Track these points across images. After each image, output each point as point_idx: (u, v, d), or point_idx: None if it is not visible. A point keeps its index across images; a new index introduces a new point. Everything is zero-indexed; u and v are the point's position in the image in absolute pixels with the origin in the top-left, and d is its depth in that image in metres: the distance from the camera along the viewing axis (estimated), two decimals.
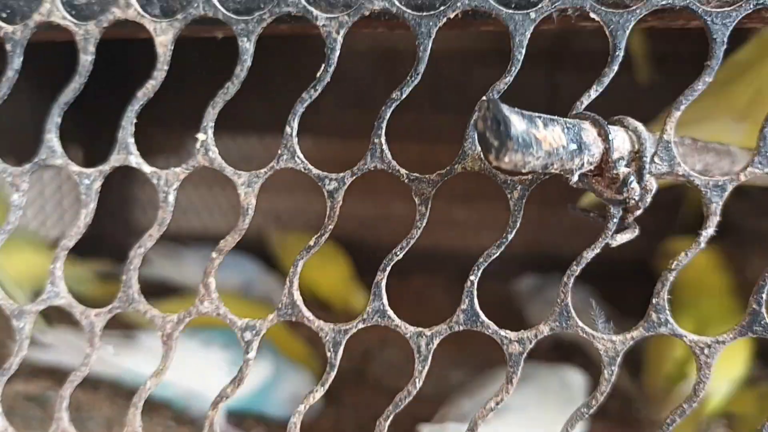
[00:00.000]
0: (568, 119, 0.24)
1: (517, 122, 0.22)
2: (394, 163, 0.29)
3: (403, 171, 0.29)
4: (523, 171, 0.23)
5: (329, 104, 1.00)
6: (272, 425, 0.57)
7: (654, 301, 0.26)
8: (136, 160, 0.31)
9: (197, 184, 1.07)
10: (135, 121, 0.31)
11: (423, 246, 0.93)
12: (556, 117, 0.24)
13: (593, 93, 0.27)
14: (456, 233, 1.00)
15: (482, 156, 0.29)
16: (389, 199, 1.01)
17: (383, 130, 0.29)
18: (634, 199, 0.25)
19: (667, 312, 0.26)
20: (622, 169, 0.25)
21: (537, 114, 0.23)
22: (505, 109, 0.22)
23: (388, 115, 0.29)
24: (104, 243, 0.84)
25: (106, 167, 0.31)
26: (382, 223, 1.01)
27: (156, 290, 0.77)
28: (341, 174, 0.29)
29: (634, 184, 0.25)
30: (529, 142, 0.22)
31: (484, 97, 0.28)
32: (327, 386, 0.29)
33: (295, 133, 0.29)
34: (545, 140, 0.22)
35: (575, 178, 0.25)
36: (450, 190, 0.99)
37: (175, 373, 0.56)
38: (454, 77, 0.96)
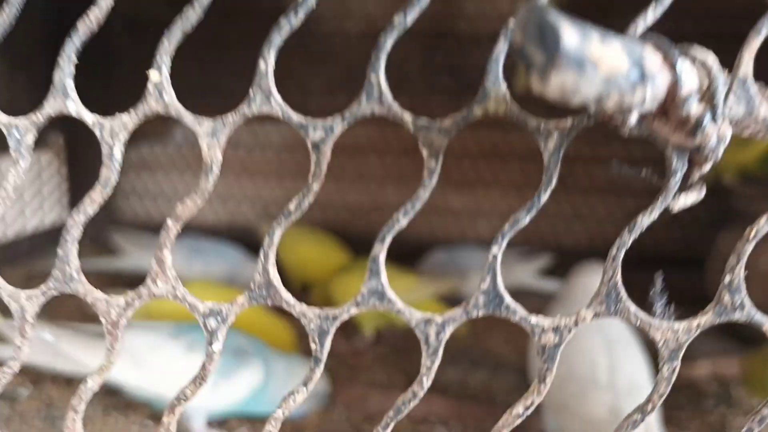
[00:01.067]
0: (628, 37, 0.19)
1: (569, 33, 0.16)
2: (395, 106, 0.23)
3: (407, 116, 0.23)
4: (572, 103, 0.17)
5: (319, 87, 0.95)
6: (257, 423, 0.52)
7: (727, 279, 0.21)
8: (75, 107, 0.25)
9: (183, 170, 1.01)
10: (75, 59, 0.24)
11: (417, 234, 0.88)
12: (613, 33, 0.18)
13: (653, 13, 0.21)
14: (451, 221, 0.94)
15: (507, 96, 0.23)
16: (382, 186, 0.95)
17: (382, 67, 0.23)
18: (709, 148, 0.19)
19: (743, 293, 0.21)
20: (695, 108, 0.19)
21: (590, 26, 0.17)
22: (554, 15, 0.16)
23: (389, 46, 0.23)
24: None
25: (39, 116, 0.25)
26: (375, 212, 0.96)
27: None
28: (328, 120, 0.23)
29: (710, 127, 0.19)
30: (583, 61, 0.16)
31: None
32: (312, 385, 0.23)
33: (271, 69, 0.23)
34: (602, 61, 0.17)
35: (634, 118, 0.19)
36: (444, 175, 0.94)
37: (157, 381, 0.49)
38: (449, 58, 0.91)
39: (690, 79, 0.20)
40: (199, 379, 0.24)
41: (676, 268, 0.86)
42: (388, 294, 0.22)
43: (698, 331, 0.21)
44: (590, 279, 0.55)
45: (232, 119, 0.24)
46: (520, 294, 0.44)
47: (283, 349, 0.58)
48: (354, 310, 0.23)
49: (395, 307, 0.22)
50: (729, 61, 0.21)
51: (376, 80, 0.23)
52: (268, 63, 0.23)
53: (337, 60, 0.94)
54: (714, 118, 0.20)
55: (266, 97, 0.23)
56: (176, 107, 0.24)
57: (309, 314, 0.23)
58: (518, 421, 0.21)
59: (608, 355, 0.47)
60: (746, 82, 0.21)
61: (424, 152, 0.23)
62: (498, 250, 0.22)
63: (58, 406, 0.53)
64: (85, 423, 0.26)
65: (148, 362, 0.50)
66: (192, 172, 1.01)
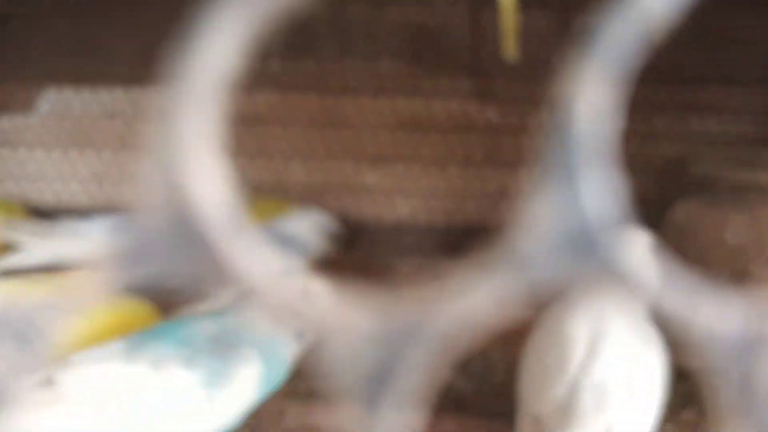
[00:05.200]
0: None
1: None
2: None
3: None
4: None
5: (275, 52, 0.83)
6: None
7: None
8: None
9: (50, 147, 0.87)
10: None
11: (327, 215, 0.78)
12: None
13: None
14: (366, 201, 0.86)
15: None
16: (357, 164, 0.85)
17: None
18: None
19: None
20: None
21: None
22: None
23: None
24: None
25: None
26: (279, 192, 0.86)
27: None
28: None
29: None
30: None
31: None
32: None
33: None
34: None
35: None
36: (358, 149, 0.84)
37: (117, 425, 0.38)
38: (363, 18, 0.81)
39: None
40: None
41: None
42: None
43: None
44: None
45: None
46: None
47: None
48: None
49: None
50: None
51: None
52: None
53: (291, 23, 0.82)
54: None
55: None
56: None
57: None
58: None
59: (587, 350, 0.42)
60: None
61: None
62: None
63: None
64: None
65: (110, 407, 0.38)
66: (61, 147, 0.87)
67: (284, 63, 0.83)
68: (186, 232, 0.15)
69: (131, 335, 0.40)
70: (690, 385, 0.52)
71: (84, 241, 0.69)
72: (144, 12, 0.81)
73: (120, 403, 0.38)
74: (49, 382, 0.37)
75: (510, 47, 0.62)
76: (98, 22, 0.80)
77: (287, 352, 0.41)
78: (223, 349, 0.39)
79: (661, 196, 0.81)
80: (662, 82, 0.79)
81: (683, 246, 0.58)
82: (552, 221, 0.14)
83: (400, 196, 0.85)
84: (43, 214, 0.82)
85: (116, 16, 0.82)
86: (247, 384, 0.39)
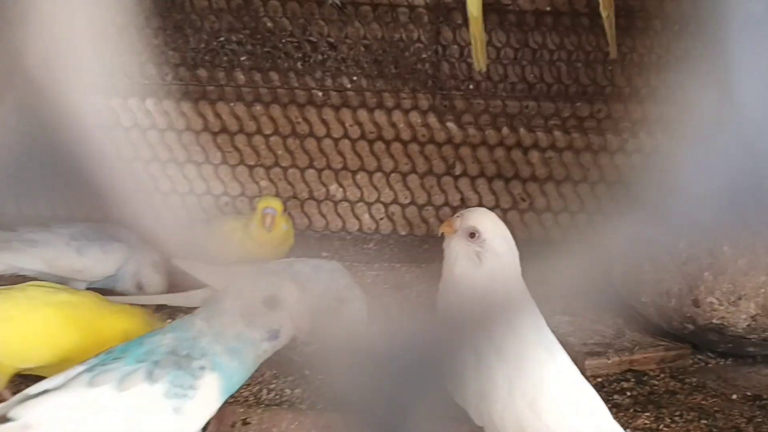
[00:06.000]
0: None
1: None
2: None
3: None
4: None
5: (176, 61, 0.83)
6: None
7: None
8: None
9: None
10: None
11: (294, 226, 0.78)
12: None
13: None
14: (329, 212, 0.86)
15: None
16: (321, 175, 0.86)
17: None
18: None
19: None
20: None
21: None
22: None
23: None
24: None
25: None
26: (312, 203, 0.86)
27: None
28: None
29: None
30: None
31: None
32: None
33: None
34: None
35: None
36: (323, 160, 0.84)
37: None
38: (327, 33, 0.82)
39: None
40: None
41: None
42: None
43: None
44: None
45: None
46: None
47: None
48: None
49: None
50: None
51: None
52: None
53: (198, 30, 0.83)
54: None
55: None
56: None
57: None
58: None
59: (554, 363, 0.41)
60: None
61: None
62: None
63: None
64: None
65: None
66: None
67: (249, 75, 0.83)
68: None
69: (90, 360, 0.40)
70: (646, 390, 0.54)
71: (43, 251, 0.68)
72: None
73: (89, 430, 0.37)
74: (9, 420, 0.37)
75: (479, 57, 0.64)
76: None
77: (254, 354, 0.41)
78: (183, 360, 0.39)
79: (616, 207, 0.84)
80: (617, 100, 0.82)
81: (637, 254, 0.60)
82: None
83: (363, 207, 0.86)
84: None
85: None
86: (211, 392, 0.39)
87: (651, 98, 0.82)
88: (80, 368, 0.39)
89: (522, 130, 0.83)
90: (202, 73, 0.84)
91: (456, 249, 0.43)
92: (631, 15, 0.80)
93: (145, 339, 0.41)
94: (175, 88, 0.84)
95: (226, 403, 0.41)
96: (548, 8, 0.81)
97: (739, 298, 0.54)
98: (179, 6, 0.83)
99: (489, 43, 0.82)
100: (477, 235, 0.42)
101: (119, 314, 0.51)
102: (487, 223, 0.43)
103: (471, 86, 0.83)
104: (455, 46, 0.82)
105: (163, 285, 0.72)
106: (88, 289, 0.68)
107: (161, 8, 0.82)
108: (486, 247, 0.42)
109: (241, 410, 0.50)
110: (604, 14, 0.63)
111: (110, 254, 0.68)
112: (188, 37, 0.83)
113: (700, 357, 0.60)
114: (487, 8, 0.79)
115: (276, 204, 0.71)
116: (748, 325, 0.55)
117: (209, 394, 0.39)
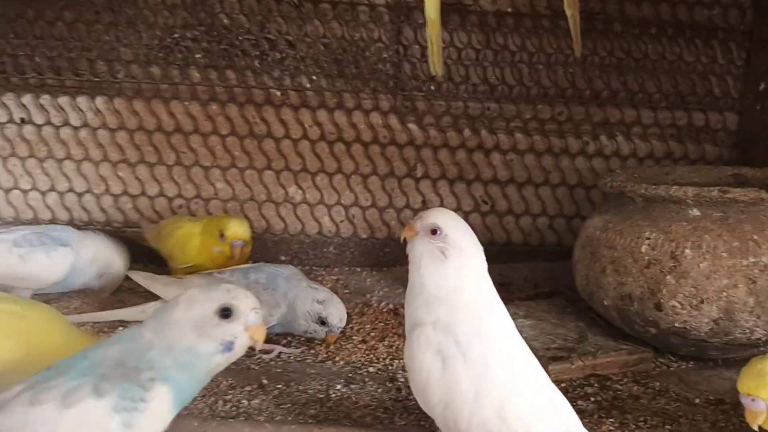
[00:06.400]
0: None
1: None
2: None
3: None
4: None
5: (128, 58, 0.80)
6: None
7: None
8: None
9: None
10: None
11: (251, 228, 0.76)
12: None
13: None
14: (288, 215, 0.84)
15: None
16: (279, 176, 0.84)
17: None
18: None
19: None
20: None
21: None
22: None
23: None
24: None
25: None
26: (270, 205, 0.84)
27: None
28: None
29: None
30: None
31: None
32: None
33: None
34: None
35: None
36: (281, 161, 0.82)
37: None
38: (285, 31, 0.80)
39: None
40: None
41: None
42: None
43: None
44: None
45: None
46: None
47: None
48: None
49: None
50: None
51: None
52: None
53: (151, 27, 0.80)
54: None
55: None
56: None
57: None
58: None
59: (521, 368, 0.41)
60: None
61: None
62: None
63: None
64: None
65: None
66: None
67: (204, 74, 0.81)
68: None
69: (30, 378, 0.37)
70: (609, 395, 0.54)
71: None
72: None
73: None
74: None
75: (435, 61, 0.62)
76: None
77: (206, 368, 0.39)
78: (131, 372, 0.36)
79: (577, 209, 0.84)
80: (578, 103, 0.82)
81: (598, 257, 0.60)
82: None
83: (323, 209, 0.85)
84: None
85: None
86: (162, 404, 0.37)
87: (611, 101, 0.82)
88: (19, 387, 0.37)
89: (483, 132, 0.83)
90: (155, 70, 0.81)
91: (419, 249, 0.42)
92: (591, 17, 0.80)
93: (88, 352, 0.38)
94: (127, 86, 0.81)
95: (179, 416, 0.39)
96: (510, 9, 0.81)
97: (702, 302, 0.54)
98: (132, 1, 0.80)
99: (450, 43, 0.81)
100: (438, 231, 0.42)
101: (70, 332, 0.48)
102: (447, 219, 0.42)
103: (432, 87, 0.82)
104: (416, 47, 0.81)
105: (124, 267, 0.71)
106: (34, 297, 0.65)
107: (113, 3, 0.80)
108: (449, 242, 0.42)
109: (196, 423, 0.47)
110: (568, 13, 0.62)
111: (56, 260, 0.65)
112: (141, 33, 0.80)
113: (662, 361, 0.60)
114: (448, 8, 0.78)
115: (244, 234, 0.70)
116: (711, 329, 0.55)
117: (161, 407, 0.37)
